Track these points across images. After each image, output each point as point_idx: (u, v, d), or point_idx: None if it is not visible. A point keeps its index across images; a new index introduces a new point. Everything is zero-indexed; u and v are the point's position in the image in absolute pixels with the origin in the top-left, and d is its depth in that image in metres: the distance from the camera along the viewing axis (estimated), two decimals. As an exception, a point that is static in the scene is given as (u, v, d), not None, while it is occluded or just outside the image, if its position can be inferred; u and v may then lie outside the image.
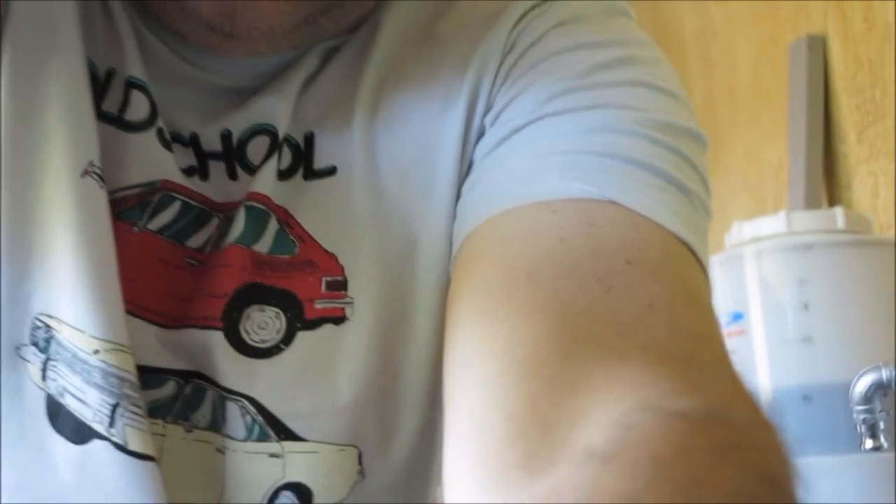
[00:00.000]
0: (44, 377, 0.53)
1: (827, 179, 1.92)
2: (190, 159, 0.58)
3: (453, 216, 0.58)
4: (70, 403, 0.53)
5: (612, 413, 0.38)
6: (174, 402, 0.56)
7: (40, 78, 0.54)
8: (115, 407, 0.53)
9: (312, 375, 0.57)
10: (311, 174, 0.59)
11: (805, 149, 1.91)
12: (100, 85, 0.57)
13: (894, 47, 1.78)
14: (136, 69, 0.57)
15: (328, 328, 0.57)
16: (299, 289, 0.57)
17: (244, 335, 0.56)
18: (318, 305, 0.57)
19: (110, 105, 0.57)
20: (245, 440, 0.56)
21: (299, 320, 0.57)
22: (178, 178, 0.57)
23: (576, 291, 0.46)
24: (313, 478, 0.57)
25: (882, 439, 1.15)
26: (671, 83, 0.59)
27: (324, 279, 0.57)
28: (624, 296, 0.46)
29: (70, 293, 0.52)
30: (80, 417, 0.53)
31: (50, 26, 0.55)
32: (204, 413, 0.57)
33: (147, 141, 0.56)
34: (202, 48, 0.58)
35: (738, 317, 1.40)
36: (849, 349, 1.33)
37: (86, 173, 0.53)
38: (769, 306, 1.38)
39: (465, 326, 0.48)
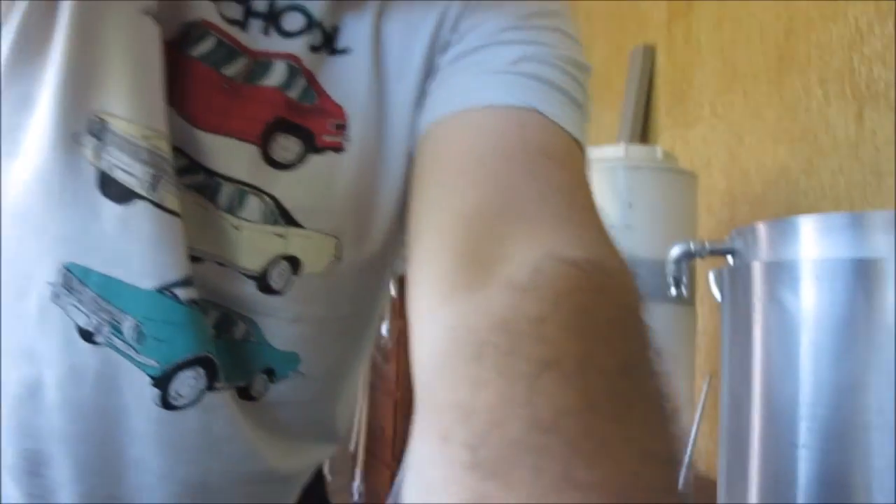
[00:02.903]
0: (97, 157, 0.50)
1: (642, 139, 1.94)
2: (238, 14, 0.54)
3: (417, 98, 0.56)
4: (118, 175, 0.50)
5: (528, 258, 0.39)
6: (202, 187, 0.54)
7: None
8: (157, 177, 0.51)
9: (316, 185, 0.56)
10: (333, 52, 0.56)
11: (632, 119, 1.93)
12: None
13: (699, 58, 1.80)
14: None
15: (331, 154, 0.56)
16: (314, 126, 0.55)
17: (272, 152, 0.54)
18: (326, 139, 0.56)
19: None
20: (259, 222, 0.55)
21: (312, 148, 0.55)
22: (217, 21, 0.53)
23: (508, 173, 0.47)
24: (304, 253, 0.56)
25: (683, 289, 1.18)
26: (575, 31, 0.60)
27: (333, 122, 0.56)
28: (541, 179, 0.47)
29: (127, 96, 0.49)
30: (127, 185, 0.50)
31: None
32: (222, 199, 0.54)
33: None
34: None
35: (585, 208, 1.40)
36: (653, 235, 1.32)
37: (146, 13, 0.50)
38: (606, 203, 1.37)
39: (429, 189, 0.49)
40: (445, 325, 0.38)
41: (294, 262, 0.57)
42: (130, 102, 0.50)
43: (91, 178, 0.50)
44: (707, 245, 1.08)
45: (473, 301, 0.38)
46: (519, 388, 0.31)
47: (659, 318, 1.29)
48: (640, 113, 1.91)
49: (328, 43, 0.56)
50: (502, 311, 0.36)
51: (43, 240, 0.51)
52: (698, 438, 1.05)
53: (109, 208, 0.50)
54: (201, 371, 0.54)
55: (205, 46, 0.52)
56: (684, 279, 1.12)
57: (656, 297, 1.30)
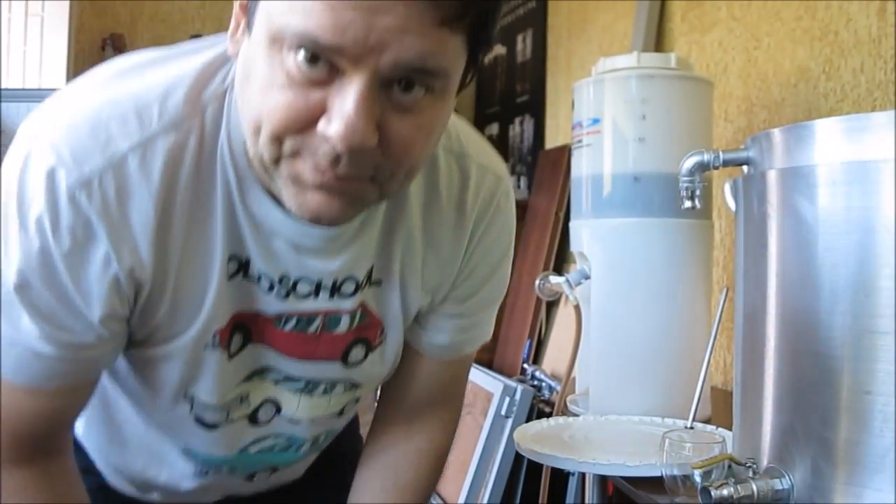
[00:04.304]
0: (189, 409, 0.80)
1: (657, 48, 1.86)
2: (311, 289, 0.75)
3: (416, 317, 0.84)
4: (206, 419, 0.81)
5: (429, 428, 0.92)
6: (313, 384, 0.82)
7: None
8: (226, 412, 0.80)
9: (370, 368, 0.83)
10: (372, 283, 0.78)
11: (645, 26, 1.86)
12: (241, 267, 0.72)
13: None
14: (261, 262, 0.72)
15: (378, 350, 0.82)
16: (370, 335, 0.81)
17: (348, 359, 0.81)
18: (375, 342, 0.81)
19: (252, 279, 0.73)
20: (339, 394, 0.85)
21: (370, 349, 0.81)
22: (297, 307, 0.75)
23: (437, 393, 0.91)
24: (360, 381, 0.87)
25: (696, 202, 1.14)
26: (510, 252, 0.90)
27: (378, 330, 0.81)
28: (448, 396, 0.93)
29: (206, 394, 0.78)
30: (211, 422, 0.81)
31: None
32: (326, 386, 0.82)
33: (275, 296, 0.74)
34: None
35: (596, 121, 1.33)
36: (667, 148, 1.29)
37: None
38: (618, 115, 1.31)
39: (405, 378, 0.89)
40: (389, 440, 0.91)
41: (355, 385, 0.86)
42: (207, 394, 0.77)
43: (186, 412, 0.78)
44: (721, 154, 1.05)
45: (407, 435, 0.91)
46: (416, 476, 0.91)
47: (675, 233, 1.27)
48: (655, 19, 1.83)
49: (368, 278, 0.78)
50: (416, 445, 0.91)
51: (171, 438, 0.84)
52: (715, 352, 1.04)
53: (202, 427, 0.80)
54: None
55: (290, 324, 0.76)
56: (698, 191, 1.08)
57: (672, 212, 1.27)
